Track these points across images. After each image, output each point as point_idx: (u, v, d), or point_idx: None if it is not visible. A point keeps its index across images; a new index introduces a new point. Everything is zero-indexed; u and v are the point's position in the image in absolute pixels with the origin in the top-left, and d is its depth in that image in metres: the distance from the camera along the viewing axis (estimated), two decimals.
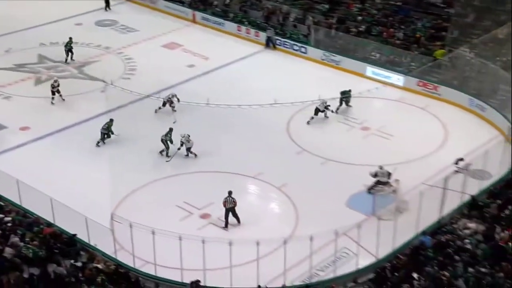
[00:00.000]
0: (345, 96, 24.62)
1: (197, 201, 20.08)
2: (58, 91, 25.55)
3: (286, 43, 30.77)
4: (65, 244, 17.42)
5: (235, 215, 18.85)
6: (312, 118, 24.14)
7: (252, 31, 31.86)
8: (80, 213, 17.43)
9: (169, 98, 24.60)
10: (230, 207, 18.77)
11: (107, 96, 23.74)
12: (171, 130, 22.47)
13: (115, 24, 34.17)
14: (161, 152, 22.32)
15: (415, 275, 15.65)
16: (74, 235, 17.69)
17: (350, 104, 24.89)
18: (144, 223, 16.35)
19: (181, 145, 22.08)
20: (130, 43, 31.73)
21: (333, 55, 29.16)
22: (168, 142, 22.29)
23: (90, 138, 23.52)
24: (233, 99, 24.76)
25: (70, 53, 29.34)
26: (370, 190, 20.06)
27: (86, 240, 17.72)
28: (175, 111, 24.18)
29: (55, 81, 25.66)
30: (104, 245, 17.57)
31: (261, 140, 23.46)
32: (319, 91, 23.98)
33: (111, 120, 22.98)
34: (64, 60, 29.27)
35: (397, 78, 27.00)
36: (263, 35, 31.32)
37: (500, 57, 25.50)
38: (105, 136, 22.85)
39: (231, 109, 23.84)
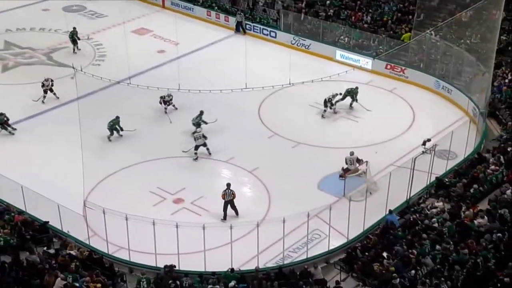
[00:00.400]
0: (352, 93, 23.94)
1: (170, 187, 20.05)
2: (51, 90, 24.58)
3: (256, 28, 30.71)
4: (37, 232, 17.29)
5: (234, 207, 18.64)
6: (325, 111, 23.61)
7: (222, 16, 31.70)
8: (52, 200, 17.27)
9: (165, 98, 23.83)
10: (229, 200, 18.52)
11: (77, 83, 23.35)
12: (201, 113, 22.47)
13: (83, 9, 33.58)
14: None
15: (384, 254, 15.99)
16: (46, 222, 17.55)
17: (357, 99, 24.09)
18: (117, 209, 16.31)
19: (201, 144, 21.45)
20: (99, 29, 31.27)
21: (303, 39, 29.24)
22: (200, 122, 22.11)
23: (61, 125, 23.21)
24: (204, 84, 24.66)
25: (75, 43, 28.46)
26: (341, 177, 20.16)
27: (58, 227, 17.60)
28: (176, 108, 23.86)
29: (46, 80, 24.61)
30: (77, 232, 17.50)
31: (233, 125, 23.48)
32: (289, 75, 24.03)
33: (117, 117, 22.37)
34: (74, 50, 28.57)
35: (365, 62, 27.25)
36: (232, 20, 31.19)
37: (464, 40, 25.92)
38: (112, 132, 22.31)
39: (202, 94, 23.76)
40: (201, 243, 16.06)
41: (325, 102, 23.66)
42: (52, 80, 24.69)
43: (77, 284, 14.88)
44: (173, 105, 23.96)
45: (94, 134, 22.43)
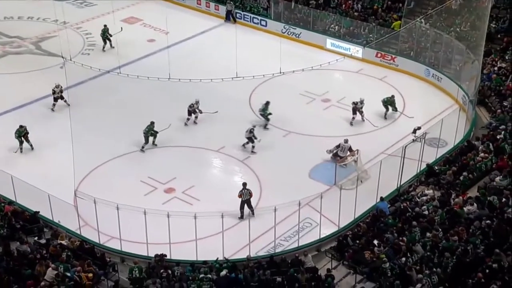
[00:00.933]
0: (389, 103, 22.97)
1: (161, 176, 19.97)
2: (62, 97, 23.31)
3: (246, 17, 30.52)
4: (27, 222, 17.18)
5: (250, 206, 18.24)
6: (353, 118, 22.59)
7: (212, 4, 31.46)
8: (42, 190, 17.15)
9: (193, 107, 22.46)
10: (247, 199, 18.19)
11: (66, 72, 23.10)
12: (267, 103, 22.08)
13: None
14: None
15: (375, 242, 16.04)
16: (37, 212, 17.43)
17: (396, 107, 23.09)
18: (108, 199, 16.22)
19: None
20: (88, 17, 30.94)
21: (293, 28, 29.10)
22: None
23: (50, 115, 23.01)
24: (195, 74, 24.50)
25: (108, 41, 27.50)
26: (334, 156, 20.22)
27: (49, 218, 17.49)
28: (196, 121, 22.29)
29: (57, 86, 23.27)
30: (68, 222, 17.41)
31: (224, 114, 23.37)
32: (280, 64, 23.92)
33: (152, 123, 21.15)
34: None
35: (356, 50, 27.17)
36: (222, 9, 30.96)
37: (454, 28, 25.91)
38: (147, 140, 21.17)
39: (192, 84, 23.59)
40: (192, 232, 16.02)
41: (354, 110, 22.61)
42: (61, 86, 23.27)
43: (68, 274, 14.82)
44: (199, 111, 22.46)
45: (84, 123, 22.26)
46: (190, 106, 22.50)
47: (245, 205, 18.16)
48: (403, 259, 15.12)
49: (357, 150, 20.05)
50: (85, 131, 21.95)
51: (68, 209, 17.41)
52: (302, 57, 26.79)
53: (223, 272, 15.35)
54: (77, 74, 24.87)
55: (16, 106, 23.80)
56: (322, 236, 17.40)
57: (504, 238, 15.09)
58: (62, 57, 25.41)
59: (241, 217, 18.07)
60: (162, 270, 15.32)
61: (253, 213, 18.18)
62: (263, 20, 30.07)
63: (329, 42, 28.14)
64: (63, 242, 16.27)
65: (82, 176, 19.66)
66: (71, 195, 17.80)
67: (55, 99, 23.35)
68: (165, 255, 15.91)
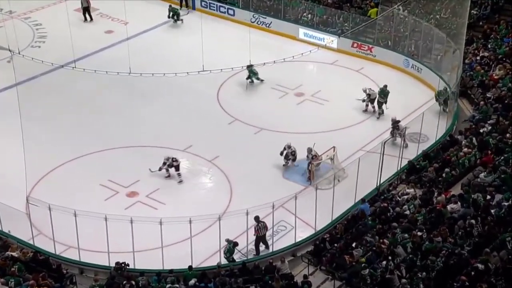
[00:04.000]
0: (384, 93, 22.91)
1: (123, 179, 19.77)
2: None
3: (212, 5, 30.41)
4: None
5: (265, 242, 17.27)
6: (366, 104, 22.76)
7: None
8: None
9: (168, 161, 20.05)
10: (263, 234, 17.14)
11: (14, 67, 22.66)
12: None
13: None
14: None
15: (354, 245, 16.12)
16: None
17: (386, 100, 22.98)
18: (64, 205, 15.98)
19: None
20: (37, 6, 30.43)
21: (263, 17, 29.10)
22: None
23: None
24: (158, 67, 24.32)
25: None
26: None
27: None
28: (180, 180, 20.07)
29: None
30: (20, 231, 17.08)
31: (190, 111, 23.25)
32: (249, 56, 23.90)
33: (174, 160, 19.90)
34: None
35: (330, 40, 27.31)
36: None
37: (434, 15, 26.23)
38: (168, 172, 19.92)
39: (155, 78, 23.40)
40: (158, 239, 15.89)
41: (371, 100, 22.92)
42: None
43: None
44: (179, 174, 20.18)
45: (36, 123, 21.86)
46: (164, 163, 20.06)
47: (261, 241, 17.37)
48: (384, 262, 15.24)
49: (334, 147, 20.15)
50: (38, 131, 21.60)
51: (19, 217, 17.10)
52: (273, 48, 26.80)
53: (192, 282, 15.29)
54: (27, 68, 24.44)
55: None
56: (297, 240, 17.44)
57: (490, 238, 15.32)
58: (9, 50, 24.87)
59: (257, 254, 17.18)
60: (124, 282, 15.15)
61: (267, 248, 17.33)
62: (231, 9, 29.99)
63: (302, 31, 28.22)
64: (13, 253, 15.95)
65: (35, 180, 19.34)
66: (22, 201, 17.48)
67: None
68: (127, 264, 15.75)
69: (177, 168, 19.93)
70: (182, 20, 29.53)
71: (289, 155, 20.24)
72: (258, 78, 24.74)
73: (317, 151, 19.92)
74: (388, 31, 26.85)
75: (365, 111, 23.16)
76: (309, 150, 19.79)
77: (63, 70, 24.53)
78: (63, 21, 27.04)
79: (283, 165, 20.31)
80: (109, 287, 15.19)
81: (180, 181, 19.90)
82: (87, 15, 29.52)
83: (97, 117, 22.74)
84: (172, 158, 19.91)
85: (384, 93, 23.01)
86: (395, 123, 21.01)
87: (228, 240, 16.55)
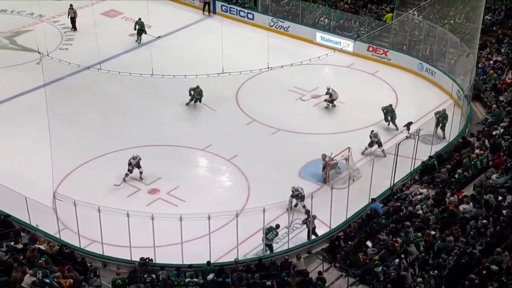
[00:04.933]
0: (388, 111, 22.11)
1: (144, 177, 19.87)
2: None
3: (232, 9, 30.49)
4: (1, 226, 17.02)
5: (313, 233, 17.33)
6: (366, 149, 20.99)
7: None
8: (19, 193, 17.00)
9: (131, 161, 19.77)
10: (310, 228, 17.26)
11: (43, 69, 22.94)
12: None
13: None
14: None
15: (368, 243, 16.10)
16: (6, 216, 17.19)
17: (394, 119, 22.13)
18: (89, 201, 16.13)
19: None
20: (65, 10, 30.63)
21: (281, 21, 29.12)
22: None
23: (27, 113, 22.82)
24: (179, 69, 24.42)
25: (141, 34, 27.26)
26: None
27: (26, 221, 17.34)
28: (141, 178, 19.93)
29: None
30: (47, 226, 17.27)
31: (210, 111, 23.33)
32: (267, 59, 23.92)
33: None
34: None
35: (347, 44, 27.25)
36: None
37: (448, 20, 26.06)
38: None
39: (177, 80, 23.53)
40: (178, 235, 15.97)
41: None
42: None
43: (47, 280, 14.71)
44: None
45: (62, 122, 22.08)
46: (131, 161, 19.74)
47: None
48: (397, 260, 15.20)
49: (348, 148, 20.11)
50: (65, 130, 21.80)
51: (46, 212, 17.28)
52: (291, 52, 26.79)
53: (210, 276, 15.35)
54: (55, 70, 24.70)
55: None
56: (313, 237, 17.43)
57: (502, 238, 15.20)
58: (39, 52, 25.17)
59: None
60: (146, 275, 15.27)
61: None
62: (250, 13, 30.05)
63: (319, 35, 28.20)
64: (41, 246, 16.14)
65: (61, 177, 19.52)
66: (49, 197, 17.68)
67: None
68: (151, 260, 15.87)
69: (137, 165, 19.54)
70: (140, 40, 27.69)
71: (296, 196, 18.37)
72: (200, 100, 23.54)
73: (333, 153, 19.89)
74: (403, 36, 26.73)
75: (326, 107, 23.21)
76: (324, 157, 19.64)
77: (89, 71, 24.73)
78: (89, 25, 27.41)
79: (294, 206, 18.30)
80: (130, 280, 15.31)
81: (141, 178, 19.60)
82: (75, 25, 28.86)
83: (120, 117, 22.92)
84: (132, 158, 19.52)
85: (387, 110, 22.12)
86: (408, 125, 20.93)
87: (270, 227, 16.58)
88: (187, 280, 15.17)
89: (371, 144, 20.66)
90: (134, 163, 19.67)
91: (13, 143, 21.32)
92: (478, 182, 18.27)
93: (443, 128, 21.33)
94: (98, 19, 28.64)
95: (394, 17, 27.04)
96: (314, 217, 17.31)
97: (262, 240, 16.86)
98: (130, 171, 19.67)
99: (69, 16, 29.21)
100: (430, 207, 17.17)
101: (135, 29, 28.06)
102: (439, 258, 14.82)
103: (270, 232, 16.79)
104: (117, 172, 20.06)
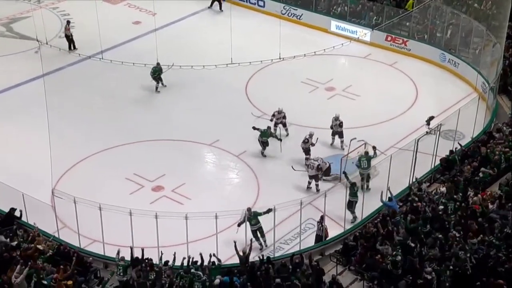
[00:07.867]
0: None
1: (148, 173, 19.95)
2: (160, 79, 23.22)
3: None
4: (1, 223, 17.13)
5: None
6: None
7: None
8: (15, 189, 17.11)
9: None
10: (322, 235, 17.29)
11: (42, 57, 23.04)
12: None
13: None
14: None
15: (385, 245, 16.03)
16: (13, 209, 17.25)
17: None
18: (90, 198, 16.19)
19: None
20: None
21: (294, 9, 29.05)
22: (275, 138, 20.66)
23: (25, 105, 22.92)
24: (185, 59, 24.44)
25: (160, 81, 24.09)
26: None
27: (23, 219, 17.44)
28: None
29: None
30: (45, 224, 17.34)
31: (217, 104, 23.34)
32: (279, 49, 23.90)
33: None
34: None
35: (363, 33, 27.14)
36: None
37: (473, 6, 25.80)
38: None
39: (183, 70, 23.56)
40: (183, 235, 16.00)
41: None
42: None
43: (45, 282, 14.78)
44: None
45: (62, 114, 22.19)
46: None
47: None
48: (416, 259, 15.16)
49: (365, 143, 20.02)
50: (64, 123, 21.91)
51: (44, 209, 17.37)
52: (304, 41, 26.74)
53: (217, 281, 15.28)
54: (54, 59, 24.86)
55: None
56: (326, 238, 17.40)
57: None
58: (37, 40, 25.31)
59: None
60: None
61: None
62: (261, 1, 29.99)
63: (334, 24, 28.10)
64: (39, 246, 16.22)
65: (60, 173, 19.60)
66: (48, 194, 17.76)
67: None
68: (151, 259, 15.87)
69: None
70: (160, 87, 24.26)
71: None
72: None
73: (350, 148, 19.82)
74: (424, 24, 26.56)
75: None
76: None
77: (90, 61, 24.84)
78: (91, 12, 27.43)
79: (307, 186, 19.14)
80: (134, 267, 15.35)
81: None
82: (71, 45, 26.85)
83: (123, 109, 22.97)
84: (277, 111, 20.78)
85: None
86: (428, 120, 20.81)
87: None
88: (192, 270, 15.11)
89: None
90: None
91: (11, 136, 21.43)
92: (504, 181, 18.12)
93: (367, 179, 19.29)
94: (99, 5, 28.71)
95: (414, 4, 26.88)
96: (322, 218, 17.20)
97: (263, 241, 16.78)
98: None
99: (65, 34, 27.03)
100: (451, 206, 17.04)
101: (154, 77, 24.09)
102: (460, 259, 14.75)
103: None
104: (120, 168, 20.13)
